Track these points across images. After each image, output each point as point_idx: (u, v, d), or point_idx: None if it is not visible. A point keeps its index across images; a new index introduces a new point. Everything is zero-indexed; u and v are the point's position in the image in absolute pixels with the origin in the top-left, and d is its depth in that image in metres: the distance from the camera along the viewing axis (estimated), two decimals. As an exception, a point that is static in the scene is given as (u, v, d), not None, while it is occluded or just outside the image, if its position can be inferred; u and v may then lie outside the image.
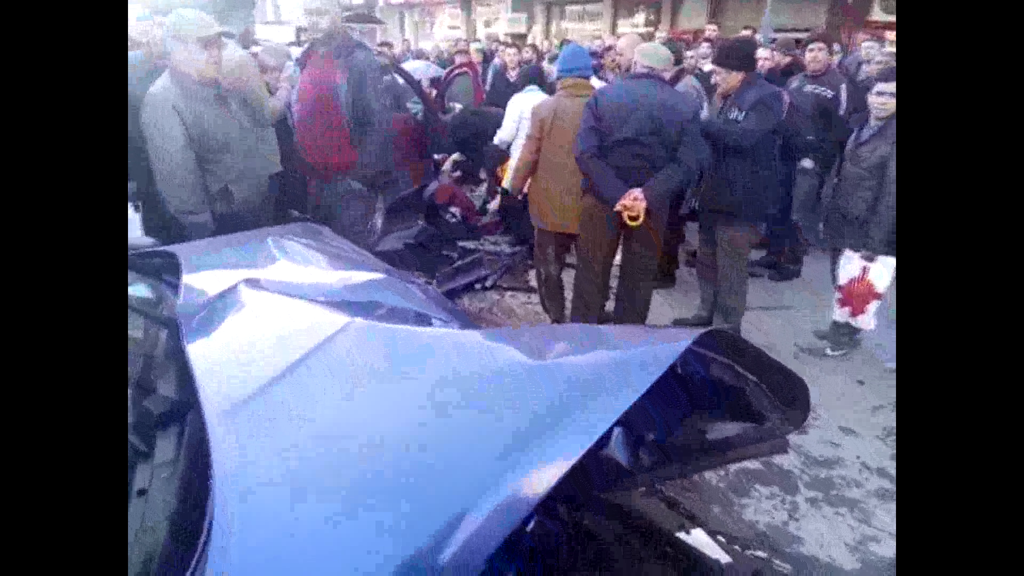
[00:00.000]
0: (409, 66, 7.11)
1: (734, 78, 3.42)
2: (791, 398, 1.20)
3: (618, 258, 3.61)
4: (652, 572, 1.21)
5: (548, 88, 4.75)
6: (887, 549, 2.30)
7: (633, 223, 3.14)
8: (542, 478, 0.78)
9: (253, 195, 2.97)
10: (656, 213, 3.22)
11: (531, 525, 1.14)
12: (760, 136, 3.41)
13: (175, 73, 2.61)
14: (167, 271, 1.81)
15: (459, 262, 4.74)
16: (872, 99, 3.36)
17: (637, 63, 3.32)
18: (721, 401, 1.21)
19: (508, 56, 7.31)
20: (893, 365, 3.60)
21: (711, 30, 8.14)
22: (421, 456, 0.89)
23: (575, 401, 0.89)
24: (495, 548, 0.73)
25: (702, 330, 0.95)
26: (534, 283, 4.92)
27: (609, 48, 6.83)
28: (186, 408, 1.11)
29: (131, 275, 1.79)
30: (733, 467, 2.76)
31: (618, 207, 3.12)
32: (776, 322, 4.27)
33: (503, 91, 6.63)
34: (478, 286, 4.69)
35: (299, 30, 12.60)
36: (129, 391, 1.20)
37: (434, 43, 13.16)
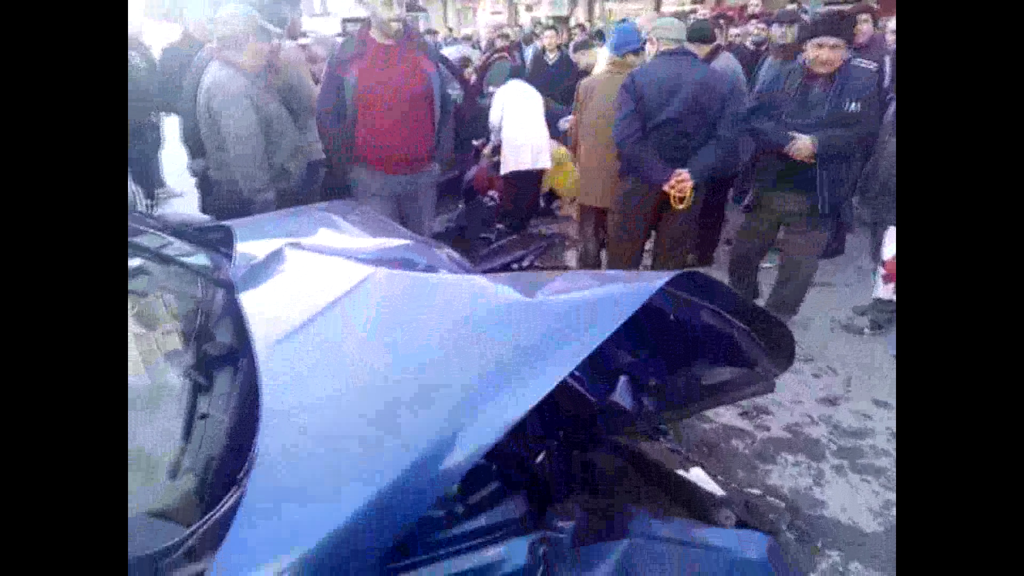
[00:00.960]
0: (445, 51, 7.27)
1: (838, 55, 3.00)
2: (777, 343, 1.28)
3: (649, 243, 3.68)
4: (647, 497, 1.32)
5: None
6: (911, 515, 2.33)
7: (679, 205, 3.19)
8: (525, 399, 0.92)
9: (304, 174, 3.19)
10: (698, 191, 3.25)
11: (540, 458, 1.27)
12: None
13: (236, 64, 2.83)
14: (223, 243, 2.01)
15: (496, 243, 4.88)
16: None
17: (658, 40, 3.31)
18: (714, 347, 1.30)
19: (547, 39, 7.37)
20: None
21: (755, 5, 7.96)
22: (426, 380, 1.03)
23: (558, 333, 1.01)
24: (483, 453, 0.87)
25: (675, 272, 1.05)
26: (570, 263, 5.02)
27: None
28: (239, 351, 1.28)
29: (191, 247, 2.00)
30: (760, 435, 2.82)
31: (667, 188, 3.15)
32: (816, 297, 4.23)
33: (542, 75, 6.69)
34: (515, 266, 4.81)
35: (345, 21, 12.91)
36: (192, 338, 1.38)
37: (474, 29, 13.24)
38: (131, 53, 4.18)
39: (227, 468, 1.02)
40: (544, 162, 5.02)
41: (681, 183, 3.13)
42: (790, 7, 7.98)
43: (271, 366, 1.06)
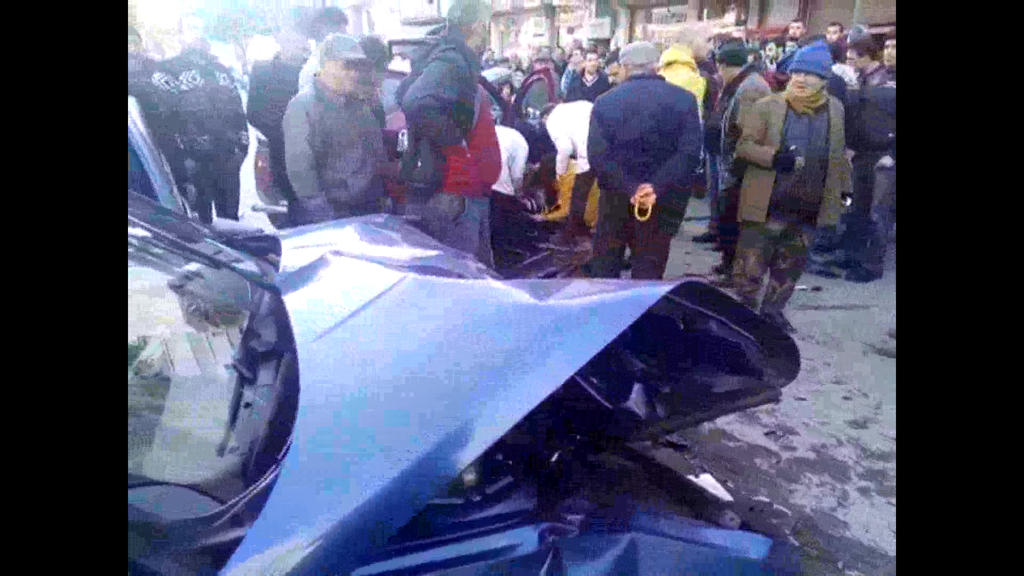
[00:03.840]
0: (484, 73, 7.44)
1: None
2: (782, 353, 1.34)
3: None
4: (655, 498, 1.38)
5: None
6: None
7: (642, 216, 3.44)
8: (533, 395, 1.01)
9: (369, 187, 3.35)
10: (664, 202, 3.49)
11: (555, 457, 1.35)
12: None
13: (319, 82, 3.12)
14: (270, 251, 2.17)
15: (528, 259, 4.97)
16: None
17: (627, 65, 3.58)
18: (722, 356, 1.36)
19: (590, 62, 7.52)
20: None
21: (796, 28, 7.97)
22: (443, 375, 1.14)
23: (566, 335, 1.10)
24: (491, 444, 0.97)
25: (680, 281, 1.12)
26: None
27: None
28: (282, 348, 1.41)
29: (240, 254, 2.15)
30: (785, 454, 2.82)
31: (632, 201, 3.42)
32: (850, 320, 4.20)
33: (579, 97, 6.80)
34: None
35: (392, 43, 13.27)
36: (239, 336, 1.52)
37: (514, 51, 13.47)
38: (218, 74, 4.44)
39: (268, 450, 1.13)
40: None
41: (644, 196, 3.37)
42: (832, 28, 7.95)
43: (309, 360, 1.18)
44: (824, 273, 4.97)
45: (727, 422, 2.98)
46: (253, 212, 4.66)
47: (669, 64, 4.17)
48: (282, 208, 4.19)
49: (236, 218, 4.73)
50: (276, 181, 4.14)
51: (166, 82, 4.20)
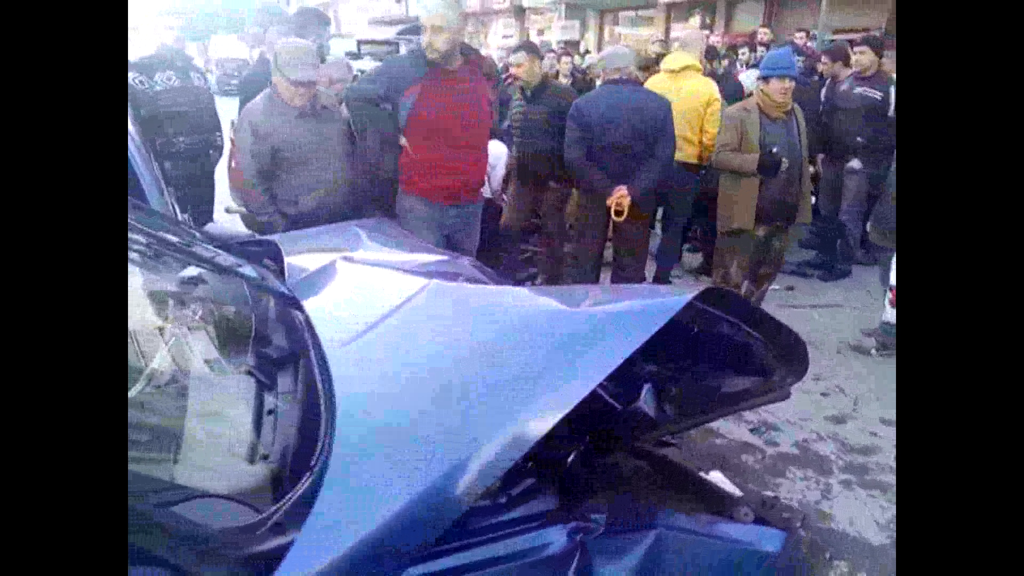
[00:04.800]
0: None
1: None
2: (791, 353, 1.40)
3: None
4: (671, 495, 1.43)
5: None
6: (917, 528, 2.41)
7: (618, 218, 3.54)
8: (566, 401, 1.04)
9: (323, 206, 3.08)
10: (643, 205, 3.64)
11: (571, 458, 1.38)
12: None
13: (274, 90, 2.97)
14: (267, 256, 2.15)
15: (508, 260, 4.99)
16: None
17: (606, 69, 3.68)
18: (732, 356, 1.42)
19: (562, 64, 7.59)
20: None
21: (763, 33, 8.17)
22: (477, 381, 1.16)
23: (597, 341, 1.14)
24: (527, 450, 0.99)
25: (704, 286, 1.17)
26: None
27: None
28: (296, 354, 1.41)
29: (238, 259, 2.13)
30: (770, 450, 2.91)
31: (608, 203, 3.52)
32: (824, 319, 4.35)
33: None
34: (528, 284, 4.92)
35: (360, 43, 13.13)
36: (249, 342, 1.51)
37: (486, 52, 13.48)
38: (193, 75, 4.34)
39: (297, 457, 1.14)
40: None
41: (619, 198, 3.48)
42: (799, 34, 8.17)
43: (341, 367, 1.19)
44: (797, 273, 5.12)
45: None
46: (227, 214, 4.59)
47: (683, 68, 4.22)
48: None
49: (211, 219, 4.65)
50: None
51: (140, 82, 4.09)
